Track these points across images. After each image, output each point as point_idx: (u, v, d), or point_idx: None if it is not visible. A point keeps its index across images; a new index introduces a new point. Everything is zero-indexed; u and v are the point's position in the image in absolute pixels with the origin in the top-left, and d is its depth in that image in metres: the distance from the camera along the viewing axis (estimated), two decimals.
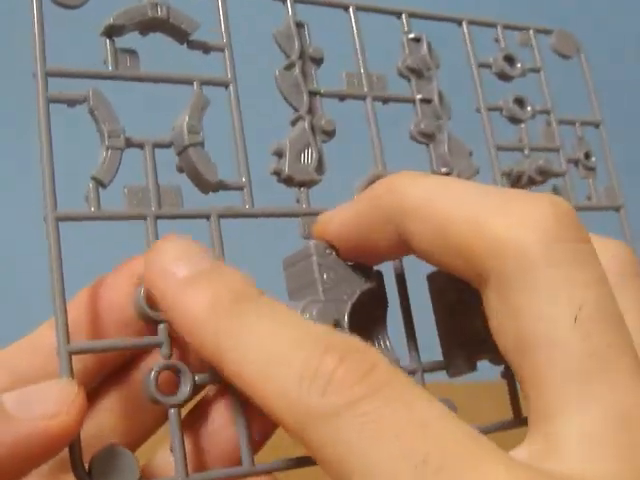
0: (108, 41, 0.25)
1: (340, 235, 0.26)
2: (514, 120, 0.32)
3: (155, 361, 0.24)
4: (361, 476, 0.19)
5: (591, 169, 0.33)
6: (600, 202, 0.33)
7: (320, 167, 0.28)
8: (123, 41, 0.26)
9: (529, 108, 0.33)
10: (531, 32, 0.34)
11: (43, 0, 0.24)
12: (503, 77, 0.33)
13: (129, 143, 0.25)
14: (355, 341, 0.21)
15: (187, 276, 0.22)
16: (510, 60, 0.33)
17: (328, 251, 0.26)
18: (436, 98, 0.30)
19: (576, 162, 0.33)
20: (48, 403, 0.21)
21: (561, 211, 0.22)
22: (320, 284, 0.25)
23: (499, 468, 0.18)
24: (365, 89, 0.29)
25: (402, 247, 0.24)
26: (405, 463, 0.18)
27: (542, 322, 0.21)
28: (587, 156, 0.33)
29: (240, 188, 0.26)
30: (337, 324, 0.25)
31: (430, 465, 0.18)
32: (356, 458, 0.19)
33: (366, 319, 0.27)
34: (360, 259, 0.26)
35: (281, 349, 0.20)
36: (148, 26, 0.26)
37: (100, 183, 0.24)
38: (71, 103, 0.24)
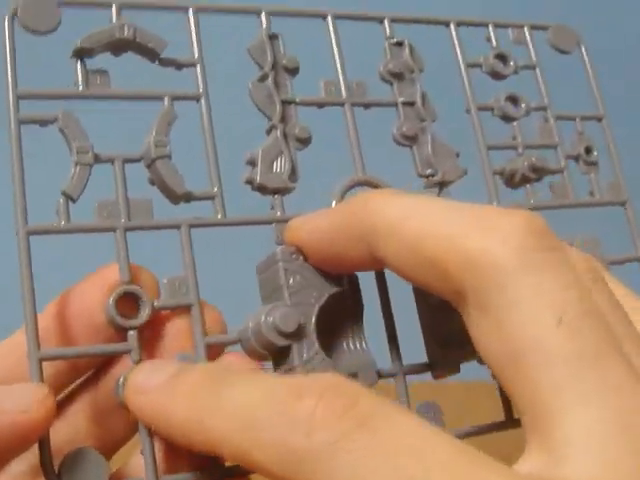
0: (78, 62, 0.26)
1: (310, 243, 0.26)
2: (507, 118, 0.32)
3: (126, 367, 0.25)
4: None
5: (592, 164, 0.33)
6: (604, 198, 0.33)
7: (293, 175, 0.28)
8: (99, 59, 0.27)
9: (523, 105, 0.32)
10: (526, 29, 0.33)
11: (15, 25, 0.26)
12: (495, 76, 0.32)
13: (98, 159, 0.26)
14: (333, 377, 0.21)
15: (159, 385, 0.24)
16: (503, 58, 0.33)
17: (295, 256, 0.26)
18: (419, 100, 0.30)
19: (577, 158, 0.33)
20: (18, 400, 0.23)
21: (533, 223, 0.22)
22: (286, 289, 0.26)
23: None
24: (344, 96, 0.30)
25: (375, 264, 0.25)
26: None
27: (527, 330, 0.21)
28: (588, 151, 0.33)
29: (210, 198, 0.27)
30: (302, 328, 0.25)
31: None
32: None
33: (340, 322, 0.27)
34: (331, 268, 0.26)
35: (258, 406, 0.21)
36: (117, 47, 0.27)
37: (69, 197, 0.25)
38: (43, 123, 0.26)
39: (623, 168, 0.34)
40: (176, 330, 0.26)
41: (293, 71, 0.29)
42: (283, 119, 0.28)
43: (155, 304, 0.26)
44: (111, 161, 0.26)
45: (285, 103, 0.29)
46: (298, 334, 0.25)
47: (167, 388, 0.23)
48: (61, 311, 0.26)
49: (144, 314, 0.25)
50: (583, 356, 0.20)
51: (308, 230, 0.26)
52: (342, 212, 0.25)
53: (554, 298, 0.21)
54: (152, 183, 0.27)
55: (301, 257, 0.26)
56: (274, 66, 0.29)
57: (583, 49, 0.34)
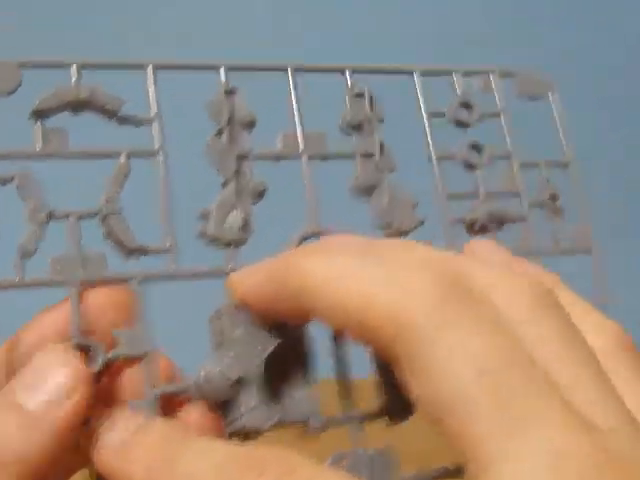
0: (37, 122, 0.28)
1: (250, 298, 0.27)
2: (469, 167, 0.32)
3: None
4: None
5: (558, 211, 0.33)
6: (571, 245, 0.33)
7: (246, 227, 0.29)
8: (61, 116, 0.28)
9: (486, 153, 0.33)
10: (492, 77, 0.33)
11: None
12: (459, 124, 0.33)
13: (53, 216, 0.27)
14: (273, 451, 0.22)
15: (115, 445, 0.25)
16: (467, 106, 0.33)
17: (238, 309, 0.27)
18: (377, 152, 0.31)
19: (542, 205, 0.33)
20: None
21: (446, 276, 0.23)
22: (229, 342, 0.27)
23: None
24: (301, 148, 0.30)
25: (312, 318, 0.26)
26: None
27: (450, 386, 0.21)
28: (553, 198, 0.33)
29: (162, 252, 0.28)
30: (246, 377, 0.26)
31: None
32: None
33: (291, 369, 0.28)
34: (274, 320, 0.27)
35: (209, 477, 0.23)
36: (74, 107, 0.28)
37: (25, 253, 0.27)
38: (2, 182, 0.27)
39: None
40: (133, 377, 0.27)
41: (249, 125, 0.30)
42: (238, 173, 0.29)
43: (109, 356, 0.27)
44: (66, 217, 0.27)
45: (240, 157, 0.29)
46: (242, 383, 0.26)
47: (123, 449, 0.25)
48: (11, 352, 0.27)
49: (97, 365, 0.26)
50: (504, 409, 0.20)
51: (246, 285, 0.27)
52: (274, 270, 0.26)
53: (474, 351, 0.21)
54: (106, 237, 0.28)
55: (245, 309, 0.27)
56: (230, 121, 0.29)
57: (553, 96, 0.34)
